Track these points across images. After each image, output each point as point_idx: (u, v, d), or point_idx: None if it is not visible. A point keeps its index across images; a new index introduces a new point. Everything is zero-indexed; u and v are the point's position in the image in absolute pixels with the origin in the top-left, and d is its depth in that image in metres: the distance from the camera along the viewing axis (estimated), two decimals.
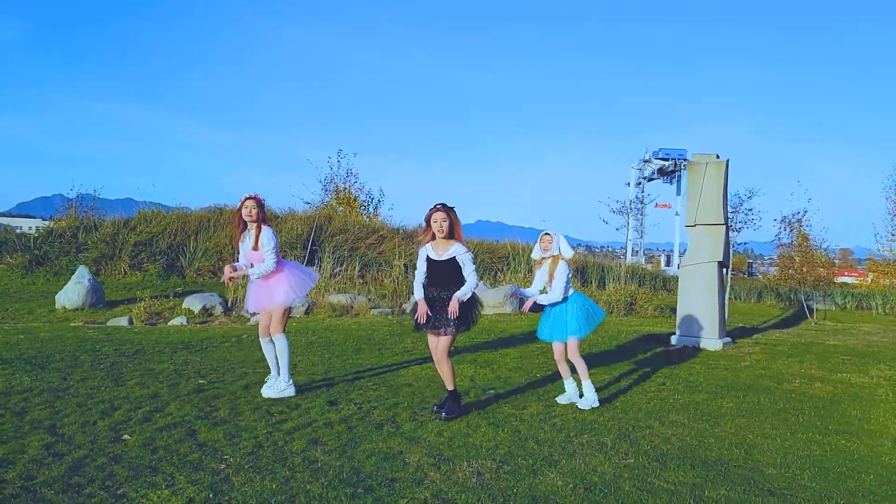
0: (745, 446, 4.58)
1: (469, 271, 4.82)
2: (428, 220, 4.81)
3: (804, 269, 26.50)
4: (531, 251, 18.21)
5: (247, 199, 5.29)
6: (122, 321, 11.25)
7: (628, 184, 50.77)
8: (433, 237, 4.83)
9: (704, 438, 4.73)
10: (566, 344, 5.44)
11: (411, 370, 6.65)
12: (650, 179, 50.84)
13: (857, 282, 33.48)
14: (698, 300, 8.95)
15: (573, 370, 5.58)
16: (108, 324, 11.08)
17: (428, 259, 4.84)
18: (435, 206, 4.82)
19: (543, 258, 5.44)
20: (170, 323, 11.17)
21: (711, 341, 8.76)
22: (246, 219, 5.29)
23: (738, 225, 17.74)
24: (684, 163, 47.72)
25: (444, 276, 4.78)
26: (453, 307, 4.73)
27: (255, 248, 5.27)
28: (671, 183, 50.74)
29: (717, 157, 9.11)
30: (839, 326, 14.34)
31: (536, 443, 4.43)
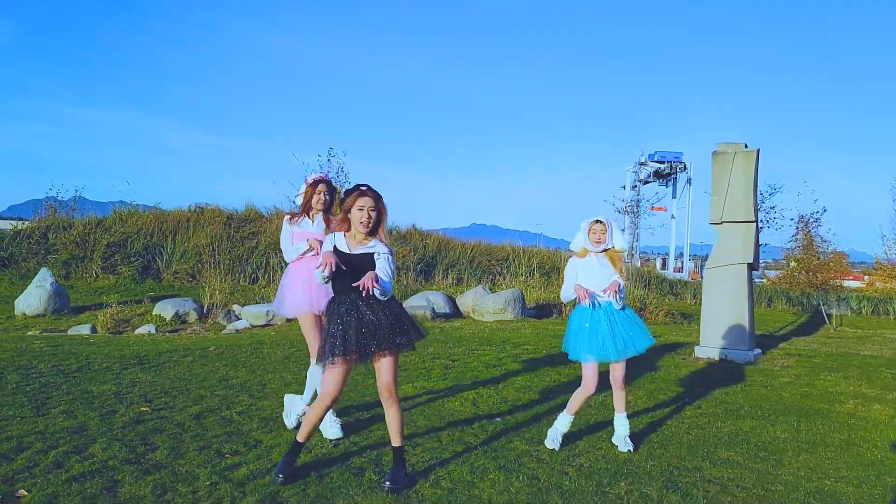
0: (825, 497, 3.60)
1: (384, 272, 3.41)
2: (347, 208, 3.47)
3: (809, 273, 25.71)
4: (530, 253, 17.28)
5: (318, 181, 4.35)
6: (85, 329, 10.20)
7: (623, 187, 49.89)
8: (348, 229, 3.50)
9: (770, 485, 3.75)
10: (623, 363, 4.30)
11: (402, 389, 5.62)
12: (645, 182, 49.99)
13: (863, 285, 32.61)
14: (726, 307, 7.96)
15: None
16: (69, 332, 10.02)
17: (336, 251, 3.43)
18: (358, 188, 3.49)
19: (591, 251, 4.30)
20: (137, 331, 10.12)
21: (741, 353, 7.77)
22: (316, 207, 4.32)
23: (759, 224, 16.73)
24: (680, 166, 46.91)
25: (358, 278, 3.31)
26: (367, 279, 3.27)
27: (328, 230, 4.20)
28: (667, 186, 49.92)
29: (746, 146, 8.14)
30: (860, 333, 13.38)
31: (561, 496, 3.43)
